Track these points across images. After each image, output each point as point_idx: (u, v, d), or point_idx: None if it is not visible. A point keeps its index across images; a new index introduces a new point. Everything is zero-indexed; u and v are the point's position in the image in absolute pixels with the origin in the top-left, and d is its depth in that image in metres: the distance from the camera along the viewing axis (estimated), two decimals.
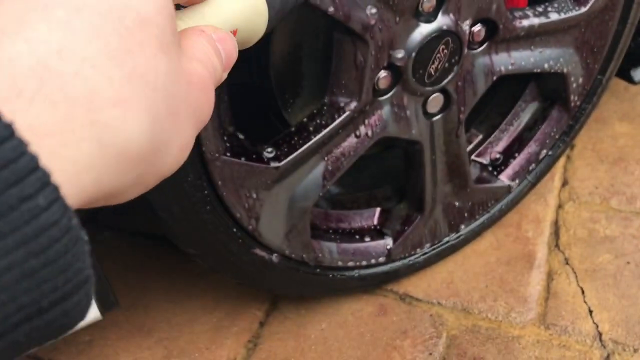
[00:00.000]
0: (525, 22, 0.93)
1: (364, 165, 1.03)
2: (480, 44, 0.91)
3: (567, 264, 1.13)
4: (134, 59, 0.26)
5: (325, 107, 0.85)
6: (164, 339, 1.05)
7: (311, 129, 0.84)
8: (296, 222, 0.90)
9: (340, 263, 0.99)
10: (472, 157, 1.13)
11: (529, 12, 0.94)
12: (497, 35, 0.90)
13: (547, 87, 1.11)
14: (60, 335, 0.24)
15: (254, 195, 0.83)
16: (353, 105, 0.83)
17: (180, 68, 0.29)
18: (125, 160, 0.26)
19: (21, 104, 0.23)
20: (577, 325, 1.03)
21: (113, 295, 0.88)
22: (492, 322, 1.05)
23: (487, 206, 1.12)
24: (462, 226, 1.11)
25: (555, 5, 0.97)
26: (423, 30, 0.82)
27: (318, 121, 0.84)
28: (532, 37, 0.96)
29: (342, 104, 0.83)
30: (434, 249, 1.09)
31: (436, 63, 0.86)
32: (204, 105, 0.31)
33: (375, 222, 1.05)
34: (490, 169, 1.13)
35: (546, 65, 1.00)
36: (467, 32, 0.86)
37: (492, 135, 1.14)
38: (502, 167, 1.12)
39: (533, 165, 1.13)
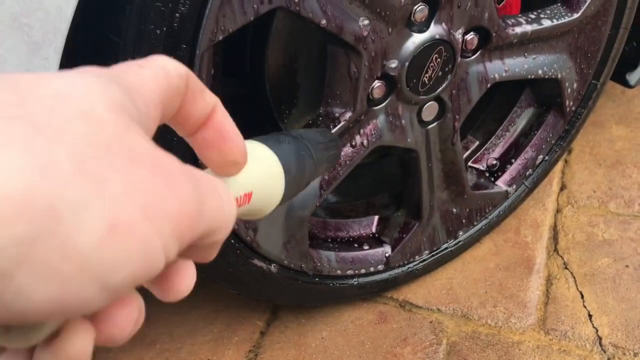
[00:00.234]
0: (518, 30, 0.93)
1: (361, 173, 1.04)
2: (474, 52, 0.91)
3: (566, 268, 1.13)
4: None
5: (320, 118, 0.85)
6: (165, 350, 1.05)
7: None
8: (294, 231, 0.90)
9: (339, 272, 1.00)
10: (469, 163, 1.13)
11: (522, 20, 0.95)
12: (490, 43, 0.91)
13: (542, 93, 1.12)
14: None
15: None
16: (348, 115, 0.84)
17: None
18: None
19: None
20: (577, 330, 1.03)
21: None
22: (492, 328, 1.05)
23: (485, 212, 1.12)
24: (461, 232, 1.11)
25: (548, 12, 0.97)
26: (416, 40, 0.82)
27: None
28: (526, 44, 0.96)
29: (337, 114, 0.84)
30: (432, 255, 1.10)
31: (430, 72, 0.86)
32: None
33: (374, 230, 1.06)
34: (487, 175, 1.13)
35: (540, 72, 1.00)
36: (460, 40, 0.87)
37: (489, 142, 1.15)
38: (499, 173, 1.13)
39: (530, 170, 1.14)
